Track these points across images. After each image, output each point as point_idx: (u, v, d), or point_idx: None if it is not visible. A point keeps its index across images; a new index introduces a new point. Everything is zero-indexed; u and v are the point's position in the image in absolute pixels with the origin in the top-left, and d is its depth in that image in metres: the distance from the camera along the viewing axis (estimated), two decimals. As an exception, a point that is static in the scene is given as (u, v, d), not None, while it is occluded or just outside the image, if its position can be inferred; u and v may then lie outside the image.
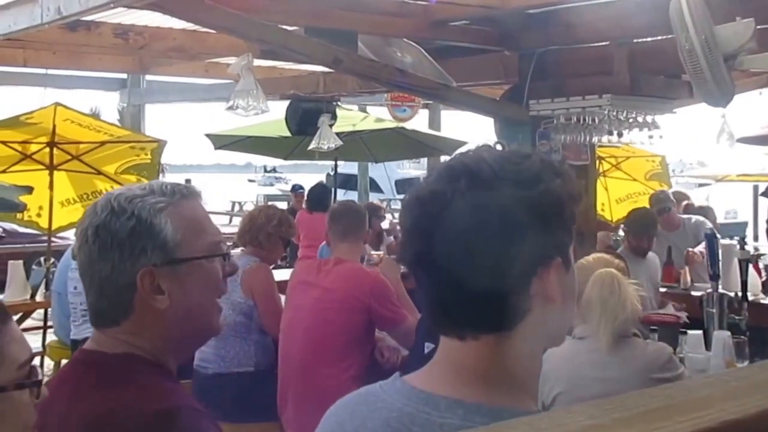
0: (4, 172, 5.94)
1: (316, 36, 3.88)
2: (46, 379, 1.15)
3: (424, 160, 14.96)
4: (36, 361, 1.14)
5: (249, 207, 16.82)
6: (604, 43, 4.24)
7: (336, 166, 9.23)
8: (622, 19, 3.96)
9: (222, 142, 8.51)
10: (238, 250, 4.05)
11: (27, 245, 8.76)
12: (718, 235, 4.65)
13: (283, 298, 3.68)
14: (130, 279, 1.17)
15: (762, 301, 4.62)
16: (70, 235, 7.60)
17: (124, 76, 9.82)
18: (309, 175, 19.60)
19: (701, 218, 6.04)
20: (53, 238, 6.21)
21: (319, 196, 7.71)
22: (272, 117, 7.04)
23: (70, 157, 6.08)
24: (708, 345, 3.33)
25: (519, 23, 4.36)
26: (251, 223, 3.89)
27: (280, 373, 3.39)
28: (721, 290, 3.91)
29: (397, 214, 15.47)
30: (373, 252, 4.88)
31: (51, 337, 5.55)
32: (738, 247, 4.38)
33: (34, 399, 1.09)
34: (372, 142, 8.57)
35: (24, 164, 6.01)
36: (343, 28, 4.03)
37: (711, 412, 0.58)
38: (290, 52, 3.95)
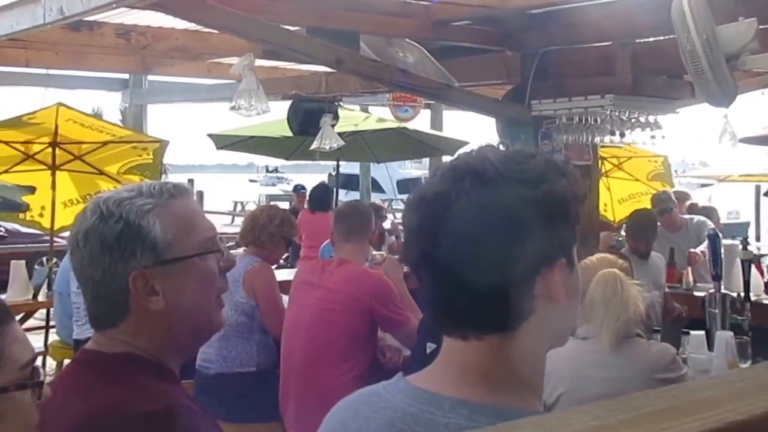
0: (6, 172, 5.95)
1: (319, 36, 3.89)
2: (49, 378, 1.15)
3: (425, 161, 14.97)
4: (38, 361, 1.14)
5: (251, 207, 16.82)
6: (606, 43, 4.23)
7: (338, 166, 9.23)
8: (625, 19, 3.96)
9: (224, 142, 8.52)
10: (240, 250, 4.06)
11: (29, 245, 8.78)
12: (721, 235, 4.64)
13: (285, 298, 3.68)
14: (123, 282, 1.17)
15: (764, 302, 4.61)
16: (73, 234, 7.60)
17: (126, 76, 9.83)
18: (311, 176, 19.61)
19: (703, 218, 6.04)
20: (55, 238, 6.22)
21: (321, 196, 7.72)
22: (274, 117, 7.05)
23: (72, 158, 6.08)
24: (711, 345, 3.33)
25: (521, 23, 4.35)
26: (253, 222, 3.89)
27: (282, 373, 3.39)
28: (723, 291, 3.91)
29: (398, 215, 15.50)
30: (375, 252, 4.88)
31: (53, 336, 5.55)
32: (740, 247, 4.38)
33: (36, 399, 1.09)
34: (374, 143, 8.57)
35: (26, 164, 6.02)
36: (345, 28, 4.03)
37: (717, 412, 0.58)
38: (292, 53, 3.95)
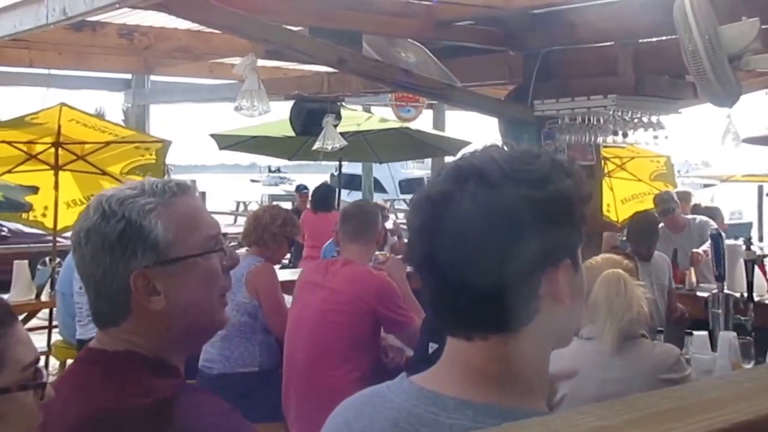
0: (9, 172, 5.95)
1: (321, 36, 3.89)
2: (51, 378, 1.16)
3: (428, 161, 14.97)
4: (41, 361, 1.15)
5: (254, 207, 16.83)
6: (609, 43, 4.23)
7: (340, 166, 9.23)
8: (627, 19, 3.95)
9: (227, 142, 8.52)
10: (242, 250, 4.06)
11: (32, 245, 8.78)
12: (724, 235, 4.63)
13: (288, 298, 3.68)
14: (124, 282, 1.16)
15: (768, 302, 4.60)
16: (75, 235, 7.61)
17: (128, 76, 9.82)
18: (313, 176, 19.60)
19: (705, 218, 6.03)
20: (58, 238, 6.22)
21: (324, 197, 7.72)
22: (277, 117, 7.06)
23: (75, 158, 6.08)
24: (714, 346, 3.32)
25: (523, 23, 4.35)
26: (256, 222, 3.89)
27: (285, 373, 3.39)
28: (726, 291, 3.90)
29: (401, 215, 15.51)
30: (377, 252, 4.88)
31: (56, 336, 5.55)
32: (744, 247, 4.37)
33: (39, 400, 1.09)
34: (376, 143, 8.57)
35: (29, 164, 6.02)
36: (348, 28, 4.02)
37: (723, 413, 0.57)
38: (295, 53, 3.95)
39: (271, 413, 3.39)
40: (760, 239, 12.70)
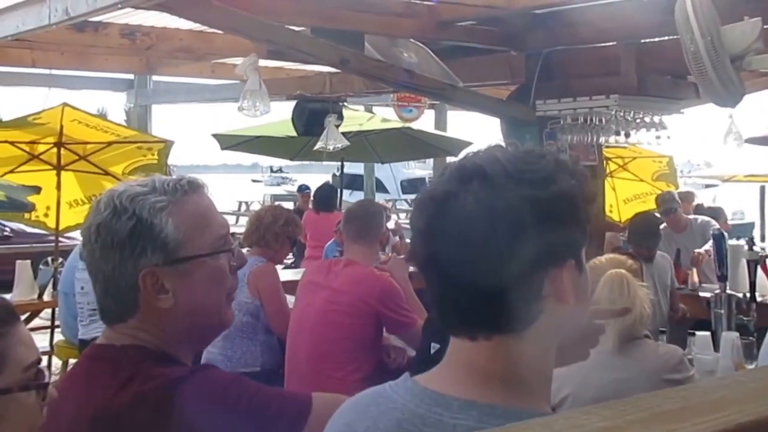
0: (12, 172, 5.96)
1: (323, 36, 3.89)
2: (55, 378, 1.16)
3: (430, 161, 14.96)
4: (44, 361, 1.15)
5: (256, 207, 16.84)
6: (611, 44, 4.23)
7: (342, 166, 9.23)
8: (629, 19, 3.95)
9: (229, 142, 8.53)
10: (244, 250, 4.05)
11: (34, 245, 8.79)
12: (726, 235, 4.62)
13: (290, 298, 3.67)
14: (132, 279, 1.16)
15: (770, 302, 4.59)
16: (77, 235, 7.61)
17: (131, 76, 9.83)
18: (315, 176, 19.61)
19: (707, 218, 6.03)
20: (60, 238, 6.23)
21: (326, 197, 7.72)
22: (279, 117, 7.06)
23: (77, 158, 6.09)
24: (716, 346, 3.31)
25: (525, 23, 4.35)
26: (258, 222, 3.89)
27: (287, 374, 3.39)
28: (729, 291, 3.89)
29: (402, 215, 15.50)
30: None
31: (59, 336, 5.56)
32: (746, 247, 4.36)
33: (41, 401, 1.09)
34: (378, 143, 8.56)
35: (31, 164, 6.03)
36: (350, 28, 4.03)
37: (728, 413, 0.57)
38: (297, 53, 3.95)
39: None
40: (763, 239, 12.69)
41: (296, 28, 3.98)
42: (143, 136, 6.78)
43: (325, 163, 10.29)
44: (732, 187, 12.46)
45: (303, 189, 11.22)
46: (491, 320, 0.87)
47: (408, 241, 5.77)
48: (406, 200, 20.77)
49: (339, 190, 8.55)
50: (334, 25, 3.98)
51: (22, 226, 8.93)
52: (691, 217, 6.11)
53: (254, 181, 43.95)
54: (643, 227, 4.78)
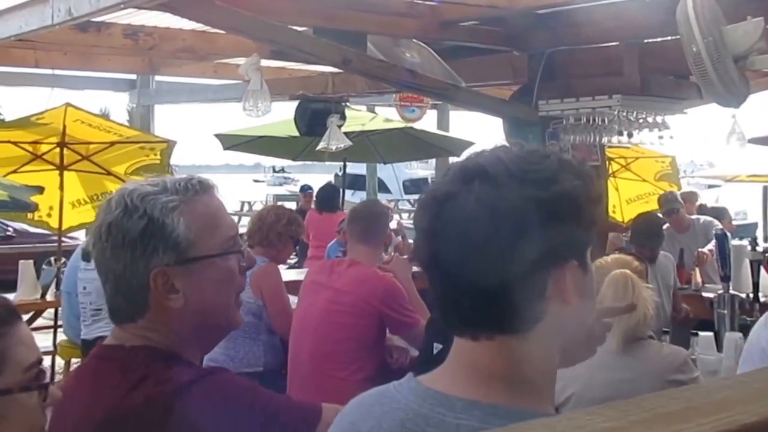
0: (15, 172, 5.97)
1: (325, 36, 3.89)
2: (58, 377, 1.16)
3: (432, 161, 14.97)
4: (47, 361, 1.15)
5: (258, 207, 16.85)
6: (613, 44, 4.22)
7: (345, 166, 9.23)
8: (632, 19, 3.95)
9: (231, 142, 8.53)
10: (246, 251, 4.05)
11: (37, 245, 8.81)
12: (729, 235, 4.62)
13: (293, 298, 3.67)
14: (143, 278, 1.16)
15: (773, 303, 4.58)
16: (80, 235, 7.64)
17: (133, 76, 9.83)
18: (318, 176, 19.62)
19: (710, 218, 6.02)
20: (63, 238, 6.24)
21: (329, 197, 7.72)
22: (281, 117, 7.06)
23: (80, 158, 6.10)
24: (719, 347, 3.31)
25: (528, 23, 4.35)
26: (260, 222, 3.89)
27: (289, 374, 3.39)
28: (732, 291, 3.89)
29: (405, 215, 15.48)
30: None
31: (62, 336, 5.57)
32: (749, 247, 4.36)
33: (42, 401, 1.09)
34: (380, 143, 8.56)
35: (34, 164, 6.04)
36: (352, 28, 4.03)
37: (732, 414, 0.57)
38: (299, 53, 3.96)
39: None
40: (766, 239, 12.66)
41: (299, 28, 3.98)
42: (146, 136, 6.79)
43: (327, 163, 10.29)
44: (735, 188, 12.44)
45: (305, 189, 11.22)
46: (492, 320, 0.87)
47: (410, 241, 5.77)
48: (408, 200, 20.78)
49: (341, 191, 8.55)
50: (337, 25, 3.98)
51: (25, 226, 8.94)
52: (694, 217, 6.11)
53: (256, 181, 43.96)
54: (646, 227, 4.77)
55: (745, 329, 3.55)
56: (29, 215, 6.08)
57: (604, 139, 4.21)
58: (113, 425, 1.12)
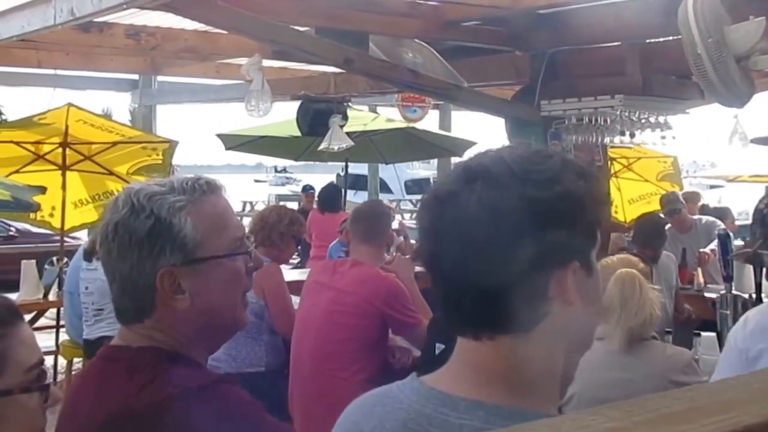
0: (17, 172, 5.99)
1: (327, 36, 3.89)
2: (60, 377, 1.16)
3: (434, 161, 14.96)
4: (49, 361, 1.15)
5: (260, 207, 16.85)
6: (616, 44, 4.22)
7: (347, 166, 9.24)
8: (634, 19, 3.95)
9: (233, 142, 8.54)
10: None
11: (39, 245, 8.82)
12: (732, 235, 4.61)
13: (296, 298, 3.67)
14: (150, 279, 1.16)
15: (776, 303, 4.57)
16: (82, 235, 7.65)
17: (135, 76, 9.84)
18: (320, 176, 19.62)
19: (712, 218, 6.02)
20: (65, 238, 6.25)
21: (331, 197, 7.73)
22: (283, 117, 7.06)
23: (82, 158, 6.11)
24: (722, 347, 3.30)
25: (530, 23, 4.34)
26: (262, 222, 3.89)
27: (291, 374, 3.39)
28: (734, 292, 3.88)
29: (406, 215, 15.47)
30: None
31: (64, 336, 5.58)
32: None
33: (43, 402, 1.08)
34: (382, 143, 8.56)
35: (37, 164, 6.05)
36: (354, 28, 4.03)
37: (735, 414, 0.57)
38: (301, 53, 3.96)
39: (278, 414, 3.38)
40: None
41: (300, 28, 3.98)
42: (148, 137, 6.80)
43: (329, 163, 10.29)
44: (737, 188, 12.42)
45: (307, 189, 11.23)
46: (494, 320, 0.87)
47: (412, 241, 5.76)
48: (410, 200, 20.78)
49: (343, 191, 8.56)
50: (339, 25, 3.98)
51: (28, 226, 8.96)
52: (696, 217, 6.10)
53: (257, 181, 43.98)
54: (649, 228, 4.76)
55: (747, 330, 3.54)
56: (32, 215, 6.09)
57: (606, 140, 4.21)
58: (117, 426, 1.12)
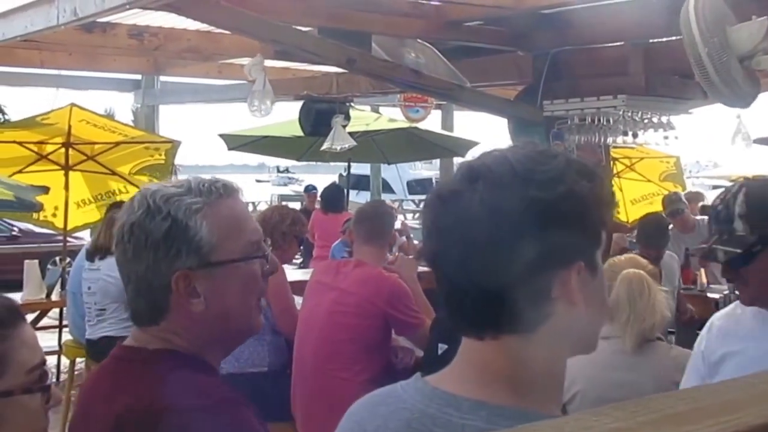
0: (20, 172, 6.00)
1: (330, 37, 3.89)
2: (64, 377, 1.16)
3: (436, 161, 14.94)
4: (52, 361, 1.15)
5: (263, 207, 16.86)
6: (618, 44, 4.22)
7: (349, 166, 9.24)
8: (637, 19, 3.94)
9: (235, 142, 8.54)
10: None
11: (42, 245, 8.83)
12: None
13: (298, 299, 3.67)
14: (165, 281, 1.15)
15: (779, 303, 4.56)
16: (85, 235, 7.67)
17: (138, 76, 9.85)
18: (322, 176, 19.62)
19: (715, 219, 6.00)
20: (68, 238, 6.26)
21: (333, 197, 7.73)
22: (286, 118, 7.07)
23: (85, 158, 6.12)
24: (724, 347, 3.30)
25: (533, 23, 4.34)
26: (264, 223, 3.88)
27: (294, 374, 3.39)
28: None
29: (409, 215, 15.46)
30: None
31: (67, 336, 5.58)
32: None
33: (45, 403, 1.08)
34: (385, 143, 8.57)
35: (40, 164, 6.06)
36: (357, 28, 4.03)
37: (739, 415, 0.57)
38: (304, 53, 3.96)
39: (280, 413, 3.38)
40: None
41: (303, 29, 3.98)
42: (150, 137, 6.82)
43: (331, 163, 10.29)
44: (740, 188, 12.37)
45: (310, 189, 11.23)
46: (497, 320, 0.87)
47: (416, 241, 5.74)
48: (412, 201, 20.77)
49: (346, 191, 8.56)
50: (341, 26, 3.98)
51: (31, 226, 8.97)
52: (699, 217, 6.09)
53: (259, 181, 43.99)
54: (652, 228, 4.76)
55: (750, 330, 3.54)
56: (34, 215, 6.10)
57: (609, 140, 4.21)
58: (127, 428, 1.11)
